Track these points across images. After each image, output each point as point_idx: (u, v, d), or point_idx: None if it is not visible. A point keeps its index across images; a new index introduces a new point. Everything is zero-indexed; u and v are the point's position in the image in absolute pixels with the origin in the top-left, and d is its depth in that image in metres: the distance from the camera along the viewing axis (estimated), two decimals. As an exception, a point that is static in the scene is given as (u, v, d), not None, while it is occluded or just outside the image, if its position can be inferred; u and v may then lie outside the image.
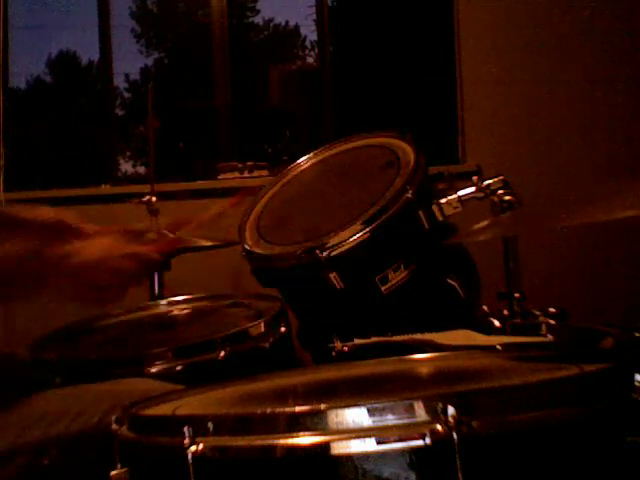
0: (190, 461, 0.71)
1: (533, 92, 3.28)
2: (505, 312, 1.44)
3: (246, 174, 3.33)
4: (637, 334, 1.13)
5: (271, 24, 5.19)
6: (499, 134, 3.27)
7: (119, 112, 4.72)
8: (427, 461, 0.68)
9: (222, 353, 1.42)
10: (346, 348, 1.31)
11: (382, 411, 0.69)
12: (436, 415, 0.67)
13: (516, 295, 1.46)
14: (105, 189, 3.54)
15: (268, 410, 0.73)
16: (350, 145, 1.76)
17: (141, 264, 1.24)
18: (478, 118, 3.35)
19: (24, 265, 1.14)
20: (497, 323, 1.40)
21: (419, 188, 1.49)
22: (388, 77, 3.94)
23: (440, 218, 1.51)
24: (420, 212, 1.49)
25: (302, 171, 1.77)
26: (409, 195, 1.47)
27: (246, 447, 0.72)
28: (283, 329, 1.56)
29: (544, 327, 1.35)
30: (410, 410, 0.69)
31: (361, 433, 0.69)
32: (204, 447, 0.72)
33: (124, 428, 0.84)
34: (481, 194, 1.53)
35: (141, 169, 4.86)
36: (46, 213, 1.24)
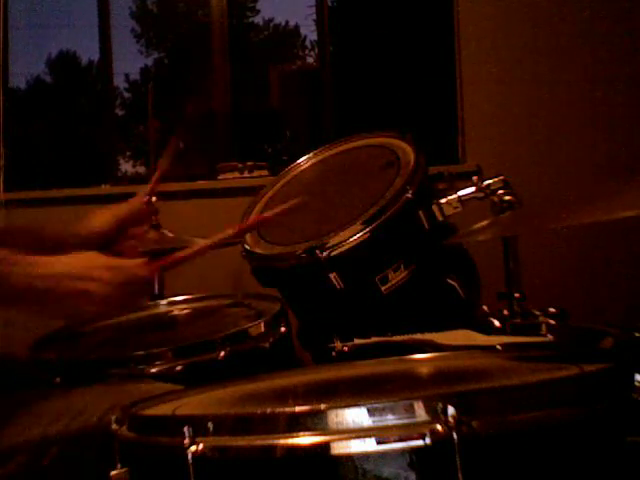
0: (190, 461, 0.71)
1: (533, 92, 3.28)
2: (505, 312, 1.44)
3: (246, 174, 3.33)
4: (637, 334, 1.13)
5: (271, 24, 5.19)
6: (499, 134, 3.27)
7: (119, 112, 4.72)
8: (427, 461, 0.68)
9: (222, 353, 1.42)
10: (346, 348, 1.31)
11: (382, 411, 0.69)
12: (436, 415, 0.67)
13: (516, 295, 1.46)
14: (105, 189, 3.53)
15: (268, 410, 0.73)
16: (350, 145, 1.76)
17: (125, 277, 1.13)
18: (478, 118, 3.34)
19: None
20: (497, 323, 1.40)
21: (419, 188, 1.49)
22: (388, 77, 3.94)
23: (440, 218, 1.51)
24: (420, 212, 1.49)
25: (302, 171, 1.77)
26: (409, 195, 1.47)
27: (246, 447, 0.72)
28: (283, 329, 1.56)
29: (544, 327, 1.35)
30: (410, 410, 0.69)
31: (361, 433, 0.69)
32: (204, 447, 0.72)
33: (124, 428, 0.84)
34: (481, 194, 1.53)
35: (141, 169, 4.86)
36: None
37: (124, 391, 1.18)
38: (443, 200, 1.52)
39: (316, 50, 4.38)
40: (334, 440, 0.69)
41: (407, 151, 1.60)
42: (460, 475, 0.66)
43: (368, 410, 0.69)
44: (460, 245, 1.62)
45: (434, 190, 1.58)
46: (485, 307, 1.48)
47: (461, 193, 1.53)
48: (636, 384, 0.75)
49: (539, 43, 3.31)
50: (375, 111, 3.83)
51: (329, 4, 3.89)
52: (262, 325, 1.53)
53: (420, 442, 0.67)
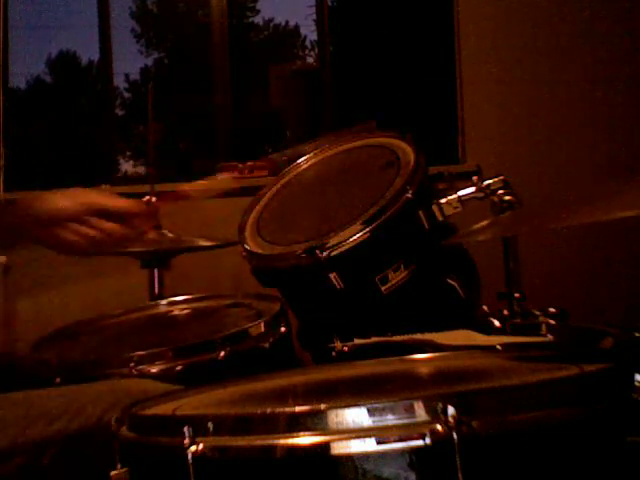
0: (190, 461, 0.71)
1: (533, 92, 3.28)
2: (505, 312, 1.44)
3: (246, 174, 3.33)
4: (637, 334, 1.13)
5: (271, 24, 5.19)
6: (499, 134, 3.27)
7: (119, 112, 4.72)
8: (427, 461, 0.68)
9: (222, 353, 1.42)
10: (346, 348, 1.31)
11: (382, 411, 0.69)
12: (436, 415, 0.67)
13: (516, 295, 1.46)
14: (105, 189, 3.53)
15: (268, 410, 0.73)
16: (350, 145, 1.76)
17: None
18: (478, 118, 3.35)
19: None
20: (497, 323, 1.40)
21: (419, 188, 1.49)
22: (388, 77, 3.93)
23: (440, 218, 1.51)
24: (420, 212, 1.49)
25: (302, 171, 1.77)
26: (409, 195, 1.47)
27: (246, 447, 0.72)
28: (283, 329, 1.56)
29: (544, 327, 1.35)
30: (410, 410, 0.69)
31: (361, 433, 0.69)
32: (204, 447, 0.72)
33: (124, 428, 0.84)
34: (481, 194, 1.53)
35: (141, 169, 4.85)
36: None
37: (123, 390, 1.18)
38: (443, 200, 1.52)
39: (316, 50, 4.38)
40: (334, 440, 0.69)
41: (407, 151, 1.60)
42: (460, 475, 0.66)
43: (368, 410, 0.69)
44: (460, 245, 1.62)
45: (434, 190, 1.58)
46: (485, 307, 1.48)
47: (461, 193, 1.53)
48: (636, 384, 0.75)
49: (539, 43, 3.31)
50: (375, 111, 3.82)
51: (329, 4, 3.89)
52: (262, 325, 1.54)
53: (420, 442, 0.67)
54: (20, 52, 3.77)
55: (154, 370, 1.41)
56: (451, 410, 0.67)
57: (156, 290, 2.07)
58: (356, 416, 0.69)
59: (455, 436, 0.66)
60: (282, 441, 0.70)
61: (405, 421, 0.69)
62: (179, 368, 1.42)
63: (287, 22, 5.15)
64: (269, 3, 4.83)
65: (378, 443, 0.68)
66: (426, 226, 1.49)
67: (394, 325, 1.32)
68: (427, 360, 1.09)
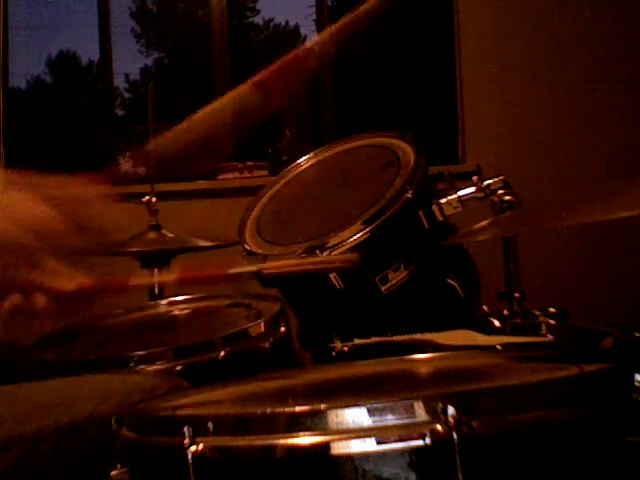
0: (190, 461, 0.71)
1: (533, 92, 3.28)
2: (505, 312, 1.44)
3: (246, 174, 3.33)
4: (637, 334, 1.13)
5: (271, 24, 5.18)
6: (499, 134, 3.28)
7: (119, 112, 4.72)
8: (427, 461, 0.68)
9: (222, 353, 1.42)
10: (346, 348, 1.31)
11: (382, 411, 0.69)
12: (436, 415, 0.67)
13: (516, 295, 1.46)
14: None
15: (268, 410, 0.73)
16: (350, 145, 1.76)
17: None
18: (478, 118, 3.35)
19: None
20: (497, 323, 1.40)
21: (419, 188, 1.49)
22: (388, 77, 3.94)
23: (440, 218, 1.51)
24: (420, 212, 1.49)
25: (302, 171, 1.77)
26: (409, 195, 1.47)
27: (246, 447, 0.72)
28: (283, 329, 1.56)
29: (544, 327, 1.35)
30: (410, 410, 0.69)
31: (361, 433, 0.69)
32: (204, 447, 0.72)
33: (124, 428, 0.84)
34: (481, 194, 1.53)
35: (141, 169, 4.85)
36: None
37: (116, 382, 1.17)
38: (443, 200, 1.52)
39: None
40: (334, 440, 0.69)
41: (407, 151, 1.60)
42: (460, 475, 0.66)
43: (368, 410, 0.69)
44: (460, 245, 1.62)
45: (434, 190, 1.58)
46: (485, 307, 1.48)
47: (461, 193, 1.53)
48: (636, 384, 0.74)
49: (539, 43, 3.31)
50: (375, 111, 3.82)
51: (329, 4, 3.89)
52: (262, 325, 1.53)
53: (420, 442, 0.67)
54: (20, 52, 3.77)
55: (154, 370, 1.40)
56: (451, 410, 0.67)
57: (156, 290, 2.07)
58: (356, 416, 0.69)
59: (455, 436, 0.66)
60: (282, 441, 0.70)
61: (405, 421, 0.69)
62: (179, 368, 1.41)
63: (287, 22, 5.14)
64: (269, 3, 4.83)
65: (378, 443, 0.68)
66: (426, 226, 1.49)
67: (394, 325, 1.32)
68: (427, 360, 1.09)
